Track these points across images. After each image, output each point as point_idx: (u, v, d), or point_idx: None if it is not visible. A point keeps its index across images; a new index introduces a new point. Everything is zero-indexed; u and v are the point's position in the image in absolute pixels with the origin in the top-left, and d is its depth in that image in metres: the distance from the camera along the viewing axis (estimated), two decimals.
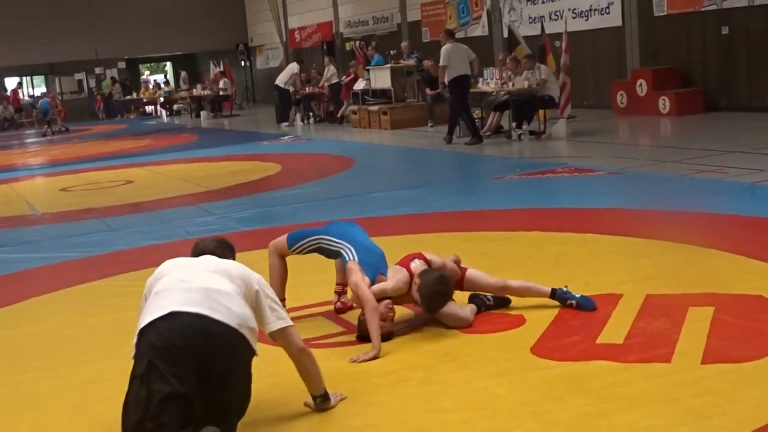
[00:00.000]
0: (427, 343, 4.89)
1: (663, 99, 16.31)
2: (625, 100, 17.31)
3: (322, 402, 4.03)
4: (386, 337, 4.87)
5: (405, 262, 5.20)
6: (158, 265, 4.03)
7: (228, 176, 13.49)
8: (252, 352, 3.73)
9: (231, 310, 3.65)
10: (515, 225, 7.73)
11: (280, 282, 5.39)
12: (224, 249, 4.23)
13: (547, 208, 8.48)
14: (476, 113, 16.67)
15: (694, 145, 12.03)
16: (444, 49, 15.22)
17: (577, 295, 5.19)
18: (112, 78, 36.63)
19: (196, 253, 4.18)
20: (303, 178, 12.43)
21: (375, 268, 5.07)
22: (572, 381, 4.16)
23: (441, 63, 15.12)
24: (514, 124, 14.98)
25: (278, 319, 3.90)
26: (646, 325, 4.83)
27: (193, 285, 3.73)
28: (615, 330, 4.79)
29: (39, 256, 8.33)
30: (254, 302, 3.86)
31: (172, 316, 3.58)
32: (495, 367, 4.43)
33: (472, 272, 5.35)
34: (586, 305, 5.13)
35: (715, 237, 6.63)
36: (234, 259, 4.23)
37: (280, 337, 3.92)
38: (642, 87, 16.83)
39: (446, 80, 15.08)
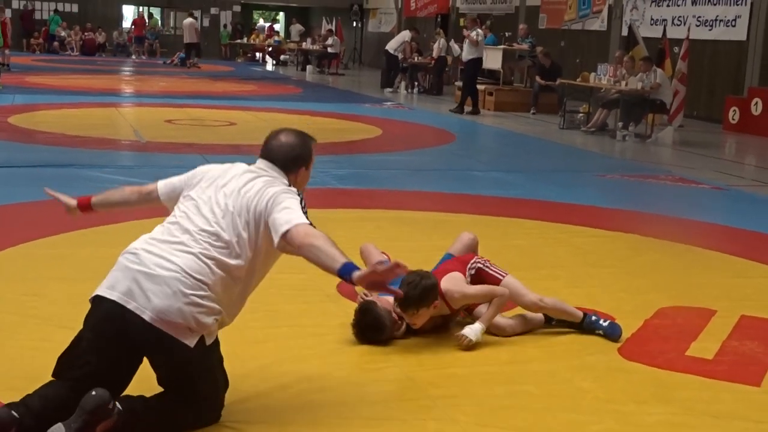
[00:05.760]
0: None
1: None
2: (737, 117, 16.87)
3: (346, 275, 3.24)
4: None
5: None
6: None
7: (329, 132, 13.56)
8: (184, 347, 3.30)
9: (150, 302, 3.28)
10: (613, 225, 7.63)
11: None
12: (290, 161, 3.68)
13: (646, 213, 8.36)
14: (583, 107, 16.49)
15: None
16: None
17: (605, 324, 4.73)
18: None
19: (265, 149, 3.71)
20: (403, 146, 12.46)
21: None
22: (658, 388, 4.13)
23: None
24: (620, 124, 14.76)
25: (279, 227, 3.36)
26: (739, 345, 4.75)
27: (147, 251, 3.40)
28: (706, 345, 4.72)
29: (141, 181, 8.48)
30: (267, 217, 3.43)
31: (97, 300, 3.39)
32: (581, 362, 4.41)
33: (511, 282, 4.82)
34: (612, 333, 4.67)
35: None
36: (306, 163, 3.75)
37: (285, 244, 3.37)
38: (757, 106, 16.37)
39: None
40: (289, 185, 3.62)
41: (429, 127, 15.25)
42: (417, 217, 7.56)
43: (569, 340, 4.70)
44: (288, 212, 3.38)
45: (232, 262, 3.42)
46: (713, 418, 3.82)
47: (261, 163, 3.68)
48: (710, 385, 4.20)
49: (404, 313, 4.51)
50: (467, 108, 17.84)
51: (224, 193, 3.52)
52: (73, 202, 3.95)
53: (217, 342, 3.52)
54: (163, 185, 3.79)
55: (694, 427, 3.73)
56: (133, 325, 3.28)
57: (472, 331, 4.52)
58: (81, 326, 3.43)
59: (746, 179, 11.14)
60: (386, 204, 8.10)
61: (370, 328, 4.50)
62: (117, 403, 3.19)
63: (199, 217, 3.49)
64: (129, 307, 3.30)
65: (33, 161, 9.42)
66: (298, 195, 3.56)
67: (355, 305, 4.86)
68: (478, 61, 17.78)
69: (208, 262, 3.38)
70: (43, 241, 6.23)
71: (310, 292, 5.32)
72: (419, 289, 4.43)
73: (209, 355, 3.46)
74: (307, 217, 3.43)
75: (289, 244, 3.34)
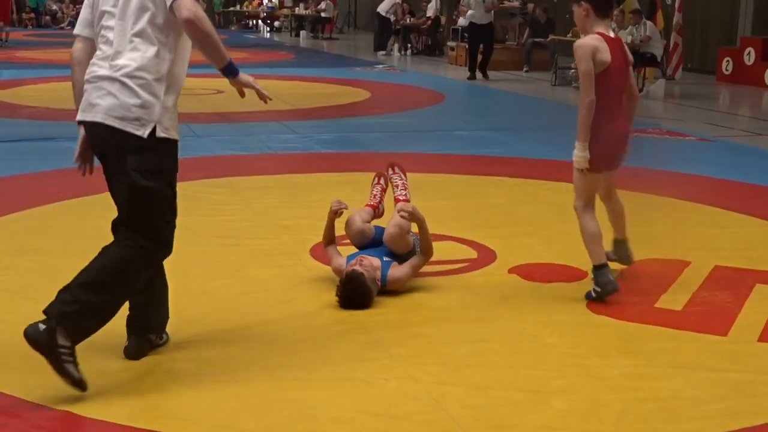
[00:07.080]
0: (484, 286, 4.87)
1: None
2: (730, 67, 16.75)
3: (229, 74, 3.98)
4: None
5: None
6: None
7: (317, 97, 13.53)
8: (135, 137, 3.55)
9: (99, 106, 3.59)
10: None
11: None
12: None
13: (630, 167, 8.28)
14: (575, 63, 16.36)
15: None
16: None
17: None
18: None
19: None
20: (390, 108, 12.40)
21: None
22: (624, 340, 4.13)
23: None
24: None
25: None
26: (709, 296, 4.74)
27: (95, 73, 3.63)
28: (676, 296, 4.72)
29: None
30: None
31: (80, 126, 3.73)
32: (548, 317, 4.41)
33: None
34: None
35: None
36: None
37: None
38: (750, 56, 16.26)
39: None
40: None
41: (419, 88, 15.16)
42: None
43: (538, 296, 4.70)
44: None
45: (158, 29, 3.61)
46: (677, 369, 3.82)
47: None
48: (677, 336, 4.20)
49: None
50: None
51: None
52: None
53: (174, 153, 3.72)
54: (81, 29, 3.82)
55: (657, 378, 3.73)
56: (95, 131, 3.63)
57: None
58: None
59: (735, 130, 11.09)
60: (367, 167, 8.01)
61: (357, 302, 4.47)
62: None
63: (114, 8, 3.65)
64: (87, 119, 3.64)
65: (15, 135, 9.38)
66: None
67: (328, 269, 4.88)
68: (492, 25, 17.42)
69: (136, 47, 3.59)
70: (22, 213, 6.23)
71: (283, 257, 5.33)
72: None
73: (164, 155, 3.66)
74: None
75: (173, 13, 3.52)
